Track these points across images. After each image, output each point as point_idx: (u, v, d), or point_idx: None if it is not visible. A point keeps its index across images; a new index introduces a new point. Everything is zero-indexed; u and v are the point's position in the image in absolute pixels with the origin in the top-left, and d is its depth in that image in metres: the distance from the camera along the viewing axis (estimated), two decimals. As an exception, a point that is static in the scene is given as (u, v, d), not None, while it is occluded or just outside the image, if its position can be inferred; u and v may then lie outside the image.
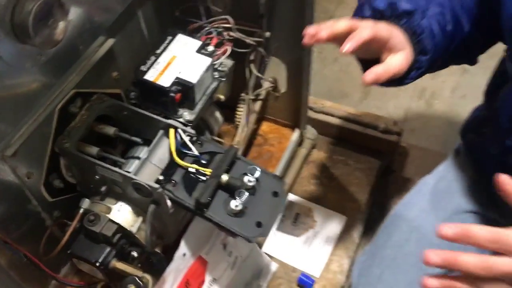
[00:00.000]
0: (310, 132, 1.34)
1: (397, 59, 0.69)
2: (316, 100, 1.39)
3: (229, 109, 1.21)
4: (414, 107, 1.66)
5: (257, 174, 0.82)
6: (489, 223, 0.57)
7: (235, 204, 0.77)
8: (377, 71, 0.66)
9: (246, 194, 0.78)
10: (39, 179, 0.82)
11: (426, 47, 0.72)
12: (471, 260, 0.52)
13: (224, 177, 0.80)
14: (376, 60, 0.71)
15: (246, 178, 0.80)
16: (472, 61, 0.88)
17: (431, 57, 0.73)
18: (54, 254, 0.82)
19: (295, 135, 1.28)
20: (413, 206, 1.01)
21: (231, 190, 0.80)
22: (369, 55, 0.72)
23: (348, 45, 0.64)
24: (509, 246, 0.51)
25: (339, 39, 0.67)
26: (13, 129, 0.73)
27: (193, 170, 0.81)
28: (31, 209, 0.83)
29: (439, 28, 0.74)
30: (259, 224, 0.79)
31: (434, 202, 0.99)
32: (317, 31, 0.66)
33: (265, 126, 1.33)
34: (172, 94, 0.84)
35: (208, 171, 0.81)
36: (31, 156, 0.79)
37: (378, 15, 0.73)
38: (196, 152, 0.83)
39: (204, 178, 0.81)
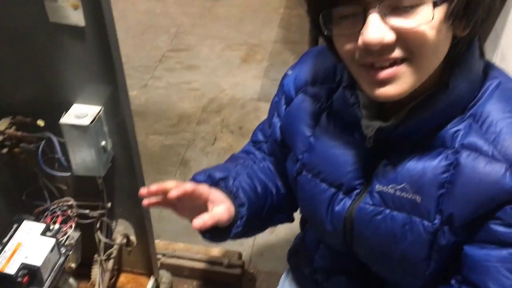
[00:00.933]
0: (165, 276, 1.48)
1: (220, 208, 0.85)
2: (168, 245, 1.55)
3: (86, 267, 1.32)
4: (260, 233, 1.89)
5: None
6: None
7: None
8: (203, 217, 0.81)
9: None
10: None
11: (242, 200, 0.90)
12: None
13: None
14: None
15: None
16: (290, 218, 1.06)
17: (249, 208, 0.93)
18: None
19: (150, 283, 1.41)
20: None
21: None
22: (196, 213, 0.86)
23: (174, 191, 0.77)
24: None
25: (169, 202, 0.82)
26: None
27: None
28: None
29: (250, 188, 0.95)
30: None
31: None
32: (148, 190, 0.79)
33: (123, 278, 1.44)
34: (19, 280, 0.94)
35: None
36: None
37: None
38: (44, 329, 0.93)
39: None
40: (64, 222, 1.12)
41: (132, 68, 2.66)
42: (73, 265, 1.13)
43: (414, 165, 0.72)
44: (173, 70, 2.69)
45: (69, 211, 1.13)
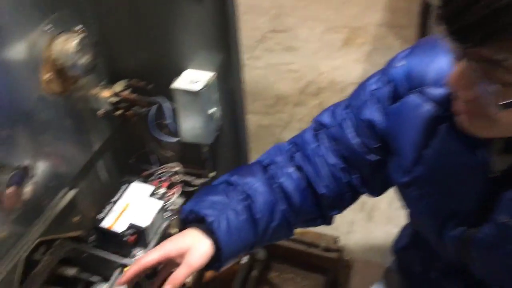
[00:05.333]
0: (261, 253, 1.46)
1: (180, 272, 0.72)
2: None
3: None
4: (357, 220, 1.82)
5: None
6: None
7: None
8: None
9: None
10: (4, 324, 0.89)
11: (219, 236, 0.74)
12: None
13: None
14: None
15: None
16: (327, 221, 0.92)
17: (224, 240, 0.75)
18: None
19: (245, 258, 1.39)
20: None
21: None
22: None
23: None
24: None
25: None
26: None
27: (147, 306, 0.91)
28: None
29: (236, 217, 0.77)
30: None
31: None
32: None
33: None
34: (125, 238, 0.96)
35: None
36: (-3, 303, 0.87)
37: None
38: (149, 289, 0.93)
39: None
40: (169, 187, 1.13)
41: (232, 47, 2.67)
42: (175, 231, 1.14)
43: None
44: (272, 51, 2.67)
45: (175, 177, 1.14)
